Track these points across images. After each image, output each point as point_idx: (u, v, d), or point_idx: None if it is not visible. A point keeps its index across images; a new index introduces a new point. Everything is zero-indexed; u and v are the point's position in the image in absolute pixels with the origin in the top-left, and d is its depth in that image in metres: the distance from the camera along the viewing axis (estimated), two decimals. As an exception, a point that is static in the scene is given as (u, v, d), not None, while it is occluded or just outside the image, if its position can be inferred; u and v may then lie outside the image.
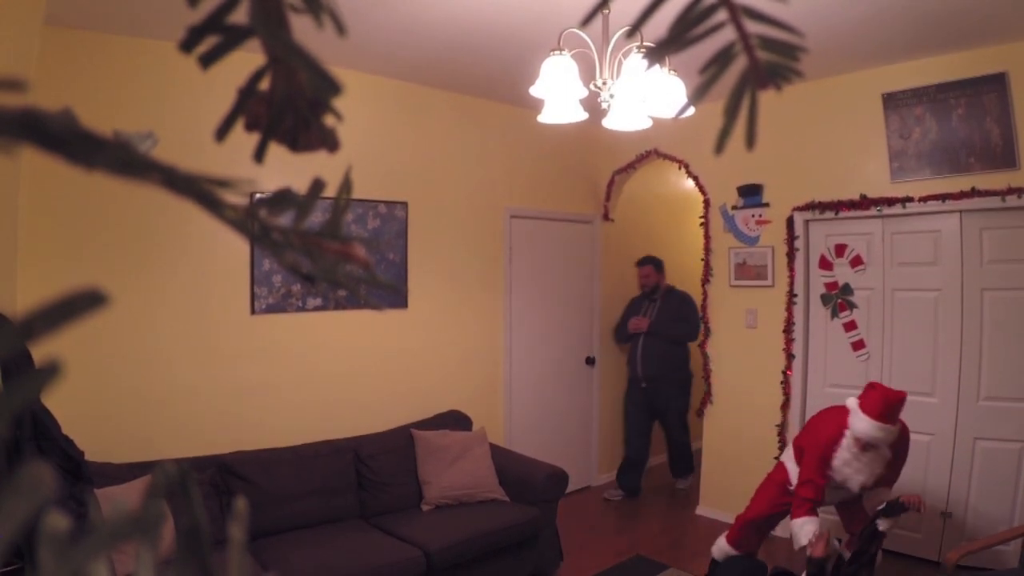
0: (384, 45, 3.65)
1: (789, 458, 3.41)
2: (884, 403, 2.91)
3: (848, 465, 3.00)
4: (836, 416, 3.13)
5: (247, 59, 0.41)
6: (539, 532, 3.79)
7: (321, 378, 3.99)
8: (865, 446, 2.96)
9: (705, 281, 4.87)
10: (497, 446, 4.33)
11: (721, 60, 0.36)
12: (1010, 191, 3.52)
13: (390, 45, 3.66)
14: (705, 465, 4.94)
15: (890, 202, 3.95)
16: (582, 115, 2.59)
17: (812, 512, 3.07)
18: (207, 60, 0.34)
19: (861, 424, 2.93)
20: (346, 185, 0.38)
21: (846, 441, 3.01)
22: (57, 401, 1.91)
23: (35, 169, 2.95)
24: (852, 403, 3.06)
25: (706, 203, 4.87)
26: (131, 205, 3.32)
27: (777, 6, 0.41)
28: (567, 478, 4.02)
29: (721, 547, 3.59)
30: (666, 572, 3.81)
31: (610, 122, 2.56)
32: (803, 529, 3.04)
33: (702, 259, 4.90)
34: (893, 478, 3.18)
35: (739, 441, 4.57)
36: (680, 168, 5.01)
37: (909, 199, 3.87)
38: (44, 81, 2.97)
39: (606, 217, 5.57)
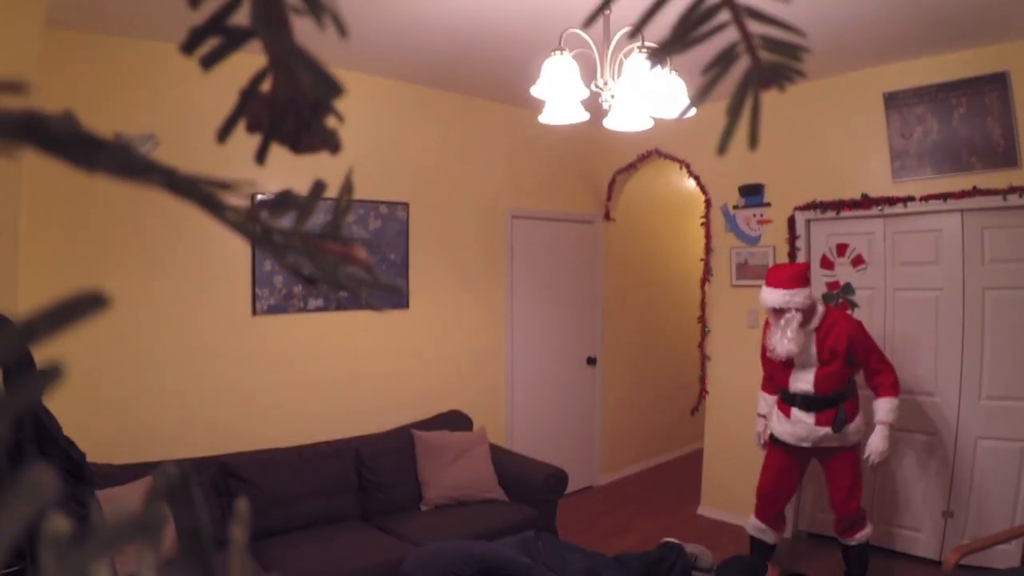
0: (385, 46, 3.65)
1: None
2: (770, 273, 3.46)
3: (772, 335, 3.45)
4: None
5: (248, 60, 0.41)
6: (537, 532, 3.79)
7: (322, 379, 3.99)
8: (774, 312, 3.41)
9: (705, 281, 4.87)
10: (497, 446, 4.34)
11: (724, 61, 0.36)
12: (1011, 190, 3.51)
13: (391, 46, 3.66)
14: (706, 464, 4.94)
15: (891, 201, 3.94)
16: (583, 116, 2.59)
17: (765, 387, 3.78)
18: (208, 62, 0.34)
19: (761, 295, 3.47)
20: (347, 186, 0.38)
21: (768, 317, 3.54)
22: (59, 402, 1.91)
23: (37, 171, 2.95)
24: None
25: (707, 203, 4.87)
26: (133, 207, 3.32)
27: (779, 6, 0.41)
28: (567, 478, 4.03)
29: (751, 523, 3.76)
30: (692, 545, 3.75)
31: (611, 122, 2.56)
32: (759, 401, 3.83)
33: (702, 259, 4.90)
34: (872, 361, 3.40)
35: (740, 440, 4.56)
36: (681, 168, 5.01)
37: (911, 198, 3.87)
38: (45, 83, 2.97)
39: (607, 217, 5.57)
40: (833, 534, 3.65)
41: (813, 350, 3.38)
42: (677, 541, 3.57)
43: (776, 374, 3.60)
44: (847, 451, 3.46)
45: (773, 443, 3.67)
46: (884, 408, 3.35)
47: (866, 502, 4.05)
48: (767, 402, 3.77)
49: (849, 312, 3.60)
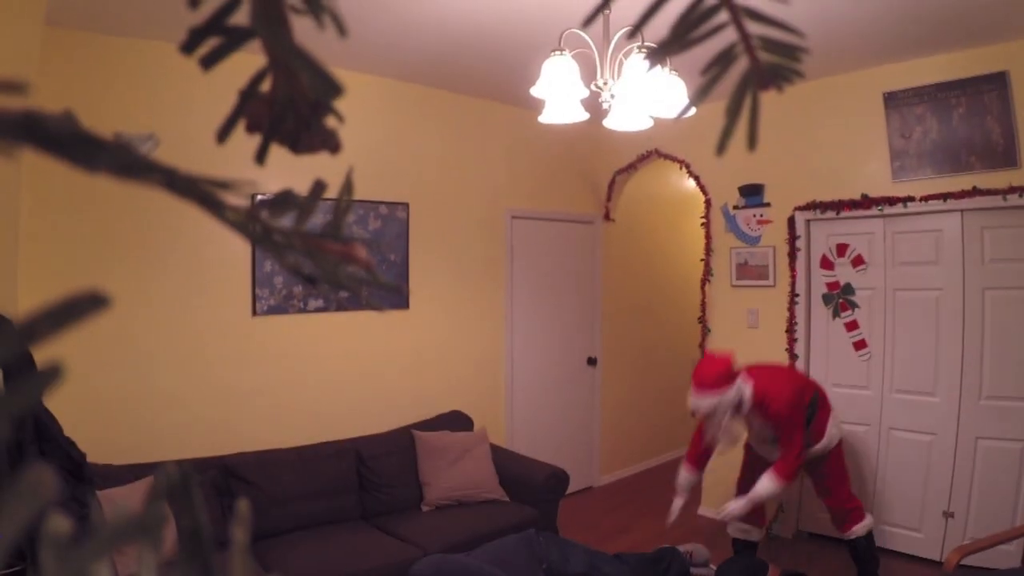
0: (385, 46, 3.65)
1: None
2: (695, 375, 3.28)
3: (708, 430, 3.40)
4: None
5: (248, 60, 0.41)
6: (539, 529, 3.79)
7: (323, 379, 3.99)
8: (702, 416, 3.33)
9: (705, 281, 4.88)
10: (498, 446, 4.33)
11: (722, 61, 0.36)
12: (1011, 190, 3.51)
13: (391, 46, 3.66)
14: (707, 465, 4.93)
15: (891, 201, 3.94)
16: (583, 115, 2.59)
17: (690, 459, 3.70)
18: (208, 62, 0.34)
19: (690, 400, 3.31)
20: (348, 186, 0.38)
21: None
22: (59, 402, 1.91)
23: (36, 171, 2.95)
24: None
25: (707, 203, 4.87)
26: (134, 208, 3.32)
27: (778, 7, 0.41)
28: (568, 479, 4.03)
29: (734, 525, 3.76)
30: (687, 544, 3.79)
31: (611, 122, 2.56)
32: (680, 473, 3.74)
33: (702, 259, 4.90)
34: (784, 439, 3.32)
35: (740, 440, 4.56)
36: (681, 168, 5.01)
37: (910, 198, 3.87)
38: (45, 83, 2.97)
39: (607, 217, 5.57)
40: (832, 534, 3.67)
41: (756, 421, 3.39)
42: (670, 546, 3.60)
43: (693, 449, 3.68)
44: (826, 454, 3.51)
45: (751, 448, 3.72)
46: (764, 484, 3.28)
47: (867, 502, 4.05)
48: (686, 478, 3.70)
49: (785, 371, 3.51)
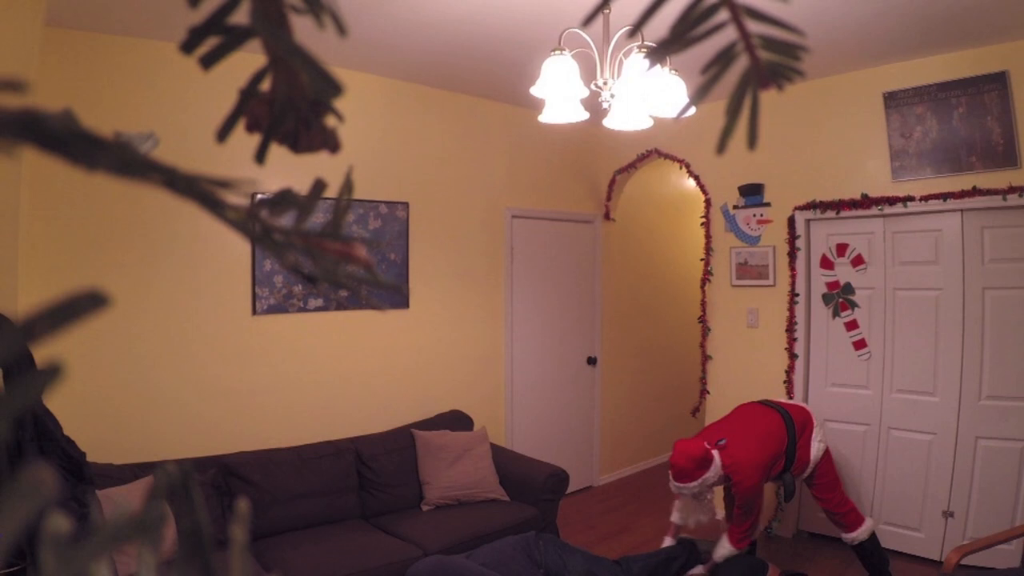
0: (385, 46, 3.65)
1: None
2: (673, 467, 3.30)
3: (683, 511, 3.48)
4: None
5: (248, 60, 0.41)
6: (539, 532, 3.79)
7: (322, 378, 3.99)
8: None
9: (705, 281, 4.88)
10: (498, 446, 4.33)
11: (723, 60, 0.36)
12: (1011, 190, 3.51)
13: (391, 46, 3.66)
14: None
15: (891, 201, 3.94)
16: (583, 115, 2.59)
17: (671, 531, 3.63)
18: (208, 61, 0.34)
19: (673, 486, 3.36)
20: (347, 186, 0.38)
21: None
22: (59, 401, 1.92)
23: (36, 170, 2.95)
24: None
25: (707, 203, 4.87)
26: (134, 206, 3.32)
27: (778, 6, 0.41)
28: (568, 478, 4.02)
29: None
30: (702, 541, 3.79)
31: (611, 122, 2.56)
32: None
33: (702, 259, 4.90)
34: (739, 507, 3.38)
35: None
36: (681, 168, 5.01)
37: (910, 198, 3.87)
38: (45, 82, 2.97)
39: (607, 217, 5.57)
40: (832, 533, 3.68)
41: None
42: (691, 538, 3.57)
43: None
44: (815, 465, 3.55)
45: None
46: (723, 547, 3.34)
47: (866, 502, 4.06)
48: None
49: (759, 433, 3.46)
